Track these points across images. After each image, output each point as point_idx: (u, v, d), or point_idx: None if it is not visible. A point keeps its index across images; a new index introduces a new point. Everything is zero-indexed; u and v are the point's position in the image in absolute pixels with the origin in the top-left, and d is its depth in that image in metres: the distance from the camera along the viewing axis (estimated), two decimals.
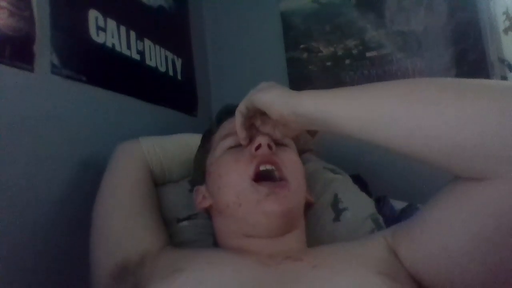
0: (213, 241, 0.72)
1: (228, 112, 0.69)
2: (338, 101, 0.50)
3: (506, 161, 0.40)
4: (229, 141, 0.64)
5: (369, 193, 0.84)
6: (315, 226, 0.74)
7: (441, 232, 0.47)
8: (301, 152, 0.70)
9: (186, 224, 0.75)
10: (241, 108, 0.60)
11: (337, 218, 0.74)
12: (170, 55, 1.16)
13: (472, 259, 0.45)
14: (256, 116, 0.63)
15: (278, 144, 0.64)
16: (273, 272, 0.52)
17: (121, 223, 0.66)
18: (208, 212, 0.69)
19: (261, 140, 0.60)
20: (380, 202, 0.85)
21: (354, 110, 0.49)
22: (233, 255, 0.58)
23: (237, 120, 0.61)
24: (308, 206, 0.69)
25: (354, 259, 0.54)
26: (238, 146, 0.63)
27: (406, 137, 0.45)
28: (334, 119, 0.50)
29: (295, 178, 0.62)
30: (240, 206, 0.59)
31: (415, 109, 0.44)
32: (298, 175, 0.64)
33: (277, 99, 0.55)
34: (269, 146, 0.60)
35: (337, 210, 0.74)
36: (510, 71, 1.05)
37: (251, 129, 0.63)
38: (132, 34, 0.98)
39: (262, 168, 0.59)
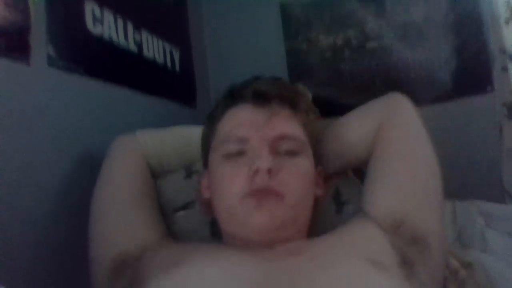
0: (210, 231, 0.72)
1: (234, 95, 0.66)
2: None
3: None
4: (229, 146, 0.61)
5: None
6: (318, 217, 0.74)
7: None
8: None
9: (183, 214, 0.75)
10: None
11: (339, 211, 0.74)
12: (168, 46, 1.15)
13: None
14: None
15: (287, 153, 0.60)
16: (272, 267, 0.52)
17: (119, 217, 0.66)
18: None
19: (260, 164, 0.56)
20: None
21: None
22: (233, 250, 0.58)
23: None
24: (316, 200, 0.67)
25: (348, 250, 0.57)
26: (236, 154, 0.60)
27: None
28: None
29: (294, 192, 0.58)
30: (231, 217, 0.59)
31: None
32: (300, 187, 0.60)
33: None
34: (269, 171, 0.56)
35: (339, 203, 0.74)
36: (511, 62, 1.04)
37: None
38: (130, 25, 0.97)
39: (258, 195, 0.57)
